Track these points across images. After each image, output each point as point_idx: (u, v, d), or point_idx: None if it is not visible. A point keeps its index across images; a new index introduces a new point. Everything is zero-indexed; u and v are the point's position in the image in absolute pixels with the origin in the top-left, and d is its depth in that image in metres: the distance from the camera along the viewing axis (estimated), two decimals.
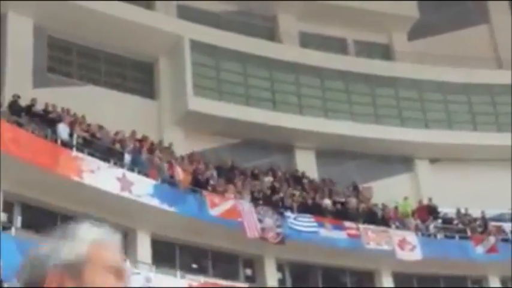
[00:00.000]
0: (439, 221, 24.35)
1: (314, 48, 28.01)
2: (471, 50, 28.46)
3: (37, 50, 22.60)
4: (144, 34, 24.25)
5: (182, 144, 23.26)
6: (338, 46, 29.45)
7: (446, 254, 22.66)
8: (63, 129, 17.58)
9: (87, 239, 1.53)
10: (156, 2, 26.11)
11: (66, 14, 22.78)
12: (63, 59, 23.95)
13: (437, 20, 30.13)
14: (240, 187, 21.09)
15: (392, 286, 22.80)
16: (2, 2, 21.70)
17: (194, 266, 20.48)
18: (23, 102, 18.68)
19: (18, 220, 16.70)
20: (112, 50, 24.59)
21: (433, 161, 27.58)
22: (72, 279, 1.48)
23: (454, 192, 25.24)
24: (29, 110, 18.19)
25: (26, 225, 16.61)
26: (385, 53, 29.96)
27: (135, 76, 25.29)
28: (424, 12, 29.81)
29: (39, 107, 18.86)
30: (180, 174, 19.85)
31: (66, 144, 17.50)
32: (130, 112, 23.46)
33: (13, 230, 15.68)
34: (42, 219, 17.16)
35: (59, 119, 18.05)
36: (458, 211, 24.87)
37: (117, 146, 19.12)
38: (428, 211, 24.82)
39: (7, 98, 18.98)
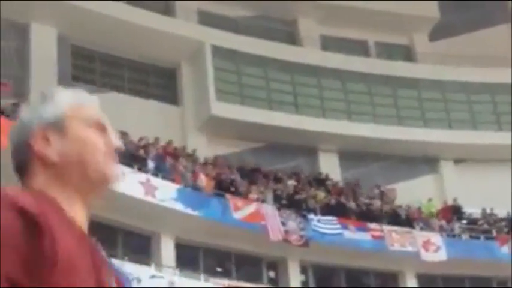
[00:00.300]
0: (464, 221, 24.24)
1: (335, 51, 28.07)
2: (493, 49, 28.30)
3: (61, 59, 22.95)
4: (166, 40, 24.49)
5: (205, 149, 23.43)
6: (359, 48, 29.47)
7: (471, 254, 22.57)
8: None
9: (66, 100, 1.57)
10: (177, 8, 26.36)
11: (88, 23, 23.08)
12: (87, 67, 24.28)
13: (458, 21, 30.03)
14: (263, 190, 21.20)
15: (417, 287, 22.73)
16: (25, 12, 22.10)
17: (218, 269, 20.62)
18: None
19: None
20: (134, 57, 24.87)
21: (458, 161, 27.46)
22: (56, 133, 1.52)
23: (479, 192, 25.11)
24: None
25: None
26: (407, 54, 29.92)
27: (158, 82, 25.55)
28: (444, 13, 29.72)
29: None
30: (203, 180, 20.01)
31: None
32: (154, 118, 23.69)
33: None
34: None
35: None
36: (484, 211, 24.75)
37: (141, 152, 19.32)
38: (453, 211, 24.74)
39: None
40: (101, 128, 1.59)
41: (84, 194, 1.56)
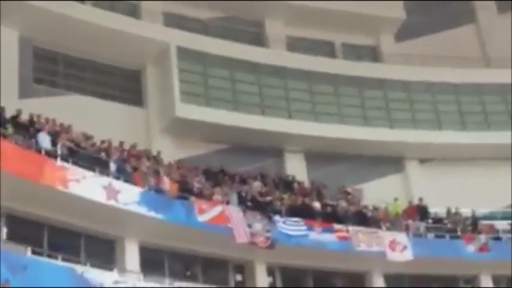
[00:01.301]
0: (430, 220, 24.35)
1: (301, 52, 28.09)
2: (459, 50, 28.59)
3: (23, 61, 22.66)
4: (131, 42, 24.33)
5: (171, 151, 23.28)
6: (326, 49, 29.53)
7: (437, 253, 22.67)
8: (43, 139, 17.58)
9: None
10: (142, 10, 26.17)
11: (51, 25, 22.86)
12: (49, 69, 23.98)
13: (424, 21, 30.26)
14: (228, 191, 21.08)
15: (384, 287, 22.77)
16: None
17: (184, 273, 20.45)
18: (9, 113, 18.69)
19: (3, 232, 16.68)
20: (98, 59, 24.64)
21: (423, 161, 27.66)
22: None
23: (445, 191, 25.34)
24: (13, 120, 18.17)
25: (12, 237, 16.58)
26: (373, 55, 30.06)
27: (123, 84, 25.33)
28: (410, 14, 29.92)
29: (24, 117, 18.85)
30: (166, 183, 19.82)
31: (51, 154, 17.49)
32: (118, 121, 23.52)
33: None
34: (29, 230, 17.15)
35: (41, 129, 18.05)
36: (449, 210, 24.89)
37: (103, 154, 19.09)
38: (419, 211, 24.84)
39: None
40: None
41: None
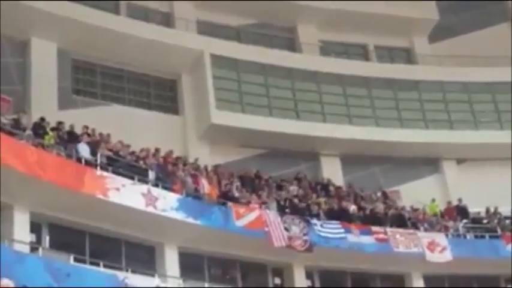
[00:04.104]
0: (469, 221, 24.24)
1: (335, 56, 28.21)
2: (493, 49, 28.29)
3: (61, 73, 23.11)
4: (165, 51, 24.66)
5: (207, 158, 23.54)
6: (359, 52, 29.61)
7: (477, 253, 22.60)
8: (83, 149, 17.99)
9: None
10: (176, 19, 26.53)
11: (88, 37, 23.27)
12: (87, 80, 24.44)
13: (457, 21, 30.12)
14: (265, 197, 21.27)
15: None
16: (25, 28, 22.31)
17: (223, 277, 20.68)
18: (50, 124, 19.13)
19: (46, 240, 17.09)
20: (135, 69, 25.04)
21: (460, 161, 27.51)
22: None
23: (482, 191, 25.14)
24: (54, 131, 18.61)
25: (55, 245, 16.98)
26: (407, 56, 30.02)
27: (159, 93, 25.68)
28: (443, 14, 29.81)
29: (64, 128, 19.27)
30: (206, 187, 20.10)
31: (91, 164, 17.88)
32: (156, 129, 23.84)
33: (40, 250, 16.04)
34: (71, 238, 17.55)
35: (81, 139, 18.47)
36: (488, 210, 24.75)
37: (141, 163, 19.43)
38: (458, 211, 24.75)
39: (33, 121, 19.44)
40: None
41: None
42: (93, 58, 24.21)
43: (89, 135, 19.39)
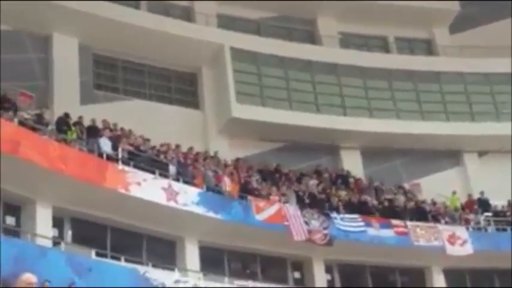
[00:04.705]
0: (490, 213, 24.12)
1: (355, 48, 28.12)
2: None
3: (83, 68, 23.30)
4: (186, 46, 24.72)
5: (227, 152, 23.65)
6: (379, 44, 29.49)
7: (498, 246, 22.47)
8: (104, 143, 18.16)
9: None
10: (196, 13, 26.60)
11: (109, 32, 23.40)
12: (109, 75, 24.62)
13: (477, 12, 29.84)
14: (285, 190, 21.34)
15: (444, 282, 22.68)
16: (47, 23, 22.51)
17: (243, 271, 20.80)
18: (72, 119, 19.34)
19: (68, 235, 17.32)
20: (156, 64, 25.17)
21: (482, 153, 27.36)
22: None
23: (504, 184, 24.97)
24: (76, 126, 18.81)
25: (77, 240, 17.21)
26: (427, 48, 29.85)
27: (180, 87, 25.80)
28: (464, 5, 29.57)
29: (86, 123, 19.48)
30: (227, 183, 20.19)
31: (112, 159, 18.05)
32: (177, 123, 23.98)
33: (62, 245, 16.26)
34: (93, 232, 17.76)
35: (102, 134, 18.65)
36: (509, 203, 24.60)
37: (162, 157, 19.58)
38: (480, 204, 24.63)
39: (55, 117, 19.67)
40: None
41: None
42: (114, 53, 24.36)
43: (110, 130, 19.56)
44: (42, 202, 16.58)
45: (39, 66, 22.73)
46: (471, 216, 23.90)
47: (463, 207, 24.49)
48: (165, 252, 19.06)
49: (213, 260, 19.71)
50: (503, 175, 25.88)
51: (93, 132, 19.00)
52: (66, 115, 19.13)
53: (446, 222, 23.10)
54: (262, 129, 24.69)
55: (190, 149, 21.61)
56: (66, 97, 22.10)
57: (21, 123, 16.67)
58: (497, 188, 24.86)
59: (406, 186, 25.47)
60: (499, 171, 26.20)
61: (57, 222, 16.98)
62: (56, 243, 16.31)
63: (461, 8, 29.63)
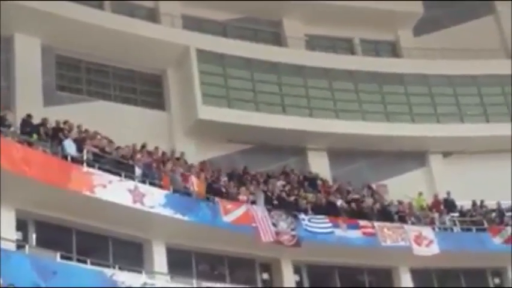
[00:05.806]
0: (455, 214, 24.32)
1: (321, 50, 28.19)
2: (478, 41, 28.45)
3: (46, 69, 22.94)
4: (151, 47, 24.52)
5: (194, 153, 23.48)
6: (345, 46, 29.62)
7: (463, 246, 22.66)
8: (69, 145, 17.85)
9: None
10: (161, 14, 26.39)
11: (72, 32, 23.10)
12: (72, 76, 24.28)
13: (442, 14, 30.19)
14: (253, 191, 21.21)
15: (411, 282, 22.78)
16: (9, 24, 22.09)
17: (211, 273, 20.63)
18: (35, 121, 18.98)
19: (33, 238, 16.96)
20: (120, 65, 24.90)
21: (446, 154, 27.61)
22: None
23: (469, 184, 25.27)
24: (39, 128, 18.47)
25: (41, 243, 16.86)
26: (392, 50, 30.06)
27: (145, 89, 25.55)
28: (428, 8, 29.85)
29: (49, 125, 19.13)
30: (194, 184, 20.01)
31: (77, 161, 17.75)
32: (142, 125, 23.76)
33: (26, 248, 15.92)
34: (57, 235, 17.43)
35: (66, 136, 18.33)
36: (474, 203, 24.84)
37: (128, 158, 19.31)
38: (446, 205, 24.83)
39: (18, 118, 19.31)
40: None
41: None
42: (77, 54, 24.06)
43: (71, 131, 19.22)
44: (6, 205, 16.20)
45: (1, 68, 22.29)
46: (436, 216, 24.06)
47: (429, 208, 24.64)
48: (132, 255, 18.80)
49: (180, 262, 19.51)
50: (467, 176, 26.19)
51: (57, 134, 18.66)
52: (29, 116, 18.77)
53: (412, 223, 23.21)
54: (229, 131, 24.58)
55: (156, 149, 21.36)
56: (29, 99, 21.73)
57: None
58: (461, 188, 25.09)
59: (374, 186, 25.55)
60: (464, 172, 26.50)
61: (21, 225, 16.63)
62: (20, 246, 15.96)
63: (425, 11, 29.89)
